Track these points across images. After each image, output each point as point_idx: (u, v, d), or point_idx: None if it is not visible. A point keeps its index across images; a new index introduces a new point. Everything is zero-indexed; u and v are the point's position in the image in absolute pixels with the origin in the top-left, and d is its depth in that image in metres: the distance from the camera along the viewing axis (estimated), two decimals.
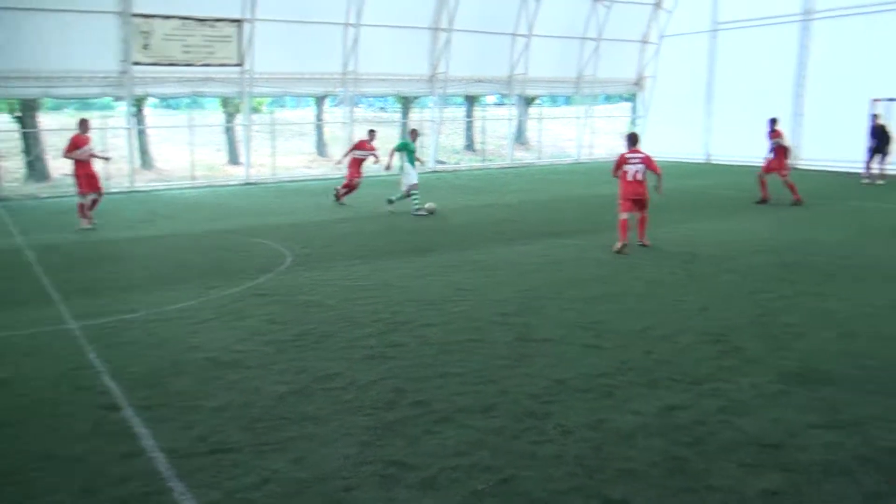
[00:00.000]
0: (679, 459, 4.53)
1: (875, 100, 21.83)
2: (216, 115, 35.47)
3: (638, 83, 31.69)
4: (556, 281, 9.40)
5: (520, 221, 14.57)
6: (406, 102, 34.85)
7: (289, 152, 30.89)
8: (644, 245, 11.70)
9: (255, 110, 30.99)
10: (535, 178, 23.92)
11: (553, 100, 40.70)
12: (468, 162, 31.64)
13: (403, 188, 15.99)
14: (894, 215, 14.50)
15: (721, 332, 7.11)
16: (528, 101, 33.82)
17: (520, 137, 34.53)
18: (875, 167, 20.35)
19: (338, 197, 17.66)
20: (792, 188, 16.18)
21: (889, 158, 20.44)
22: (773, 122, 16.83)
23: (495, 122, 34.49)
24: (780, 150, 16.42)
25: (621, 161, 11.70)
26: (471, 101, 35.94)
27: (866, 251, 10.95)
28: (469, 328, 7.35)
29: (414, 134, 16.85)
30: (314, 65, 24.10)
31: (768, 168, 16.51)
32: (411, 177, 15.96)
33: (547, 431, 4.95)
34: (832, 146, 23.05)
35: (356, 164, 17.71)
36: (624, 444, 4.75)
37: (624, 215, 11.52)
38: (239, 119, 28.79)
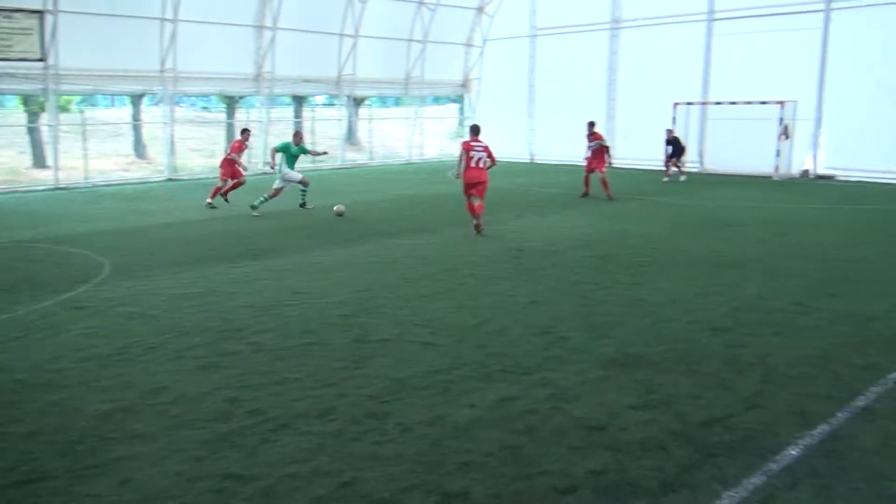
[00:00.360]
0: (514, 448, 4.72)
1: (676, 103, 23.88)
2: (17, 115, 32.45)
3: (464, 85, 32.63)
4: (391, 280, 9.48)
5: (354, 222, 14.54)
6: (231, 102, 33.67)
7: (103, 154, 28.88)
8: (478, 227, 12.87)
9: (63, 109, 28.76)
10: (368, 179, 23.97)
11: (383, 101, 40.93)
12: (298, 163, 31.04)
13: (273, 188, 15.90)
14: (696, 210, 15.91)
15: (548, 323, 7.49)
16: (358, 101, 33.80)
17: (351, 138, 34.42)
18: (674, 168, 22.29)
19: (224, 194, 17.21)
20: (605, 185, 17.40)
21: (685, 159, 22.44)
22: (591, 125, 18.09)
23: (325, 123, 34.16)
24: (599, 151, 17.70)
25: (467, 148, 12.86)
26: (299, 101, 35.35)
27: (673, 243, 11.94)
28: (305, 332, 7.25)
29: (298, 137, 16.39)
30: (129, 61, 22.65)
31: (590, 167, 17.78)
32: (291, 175, 15.95)
33: (387, 431, 4.99)
34: (640, 146, 24.93)
35: (229, 164, 17.18)
36: (461, 437, 4.89)
37: (468, 199, 12.99)
38: (44, 119, 26.50)
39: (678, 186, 20.45)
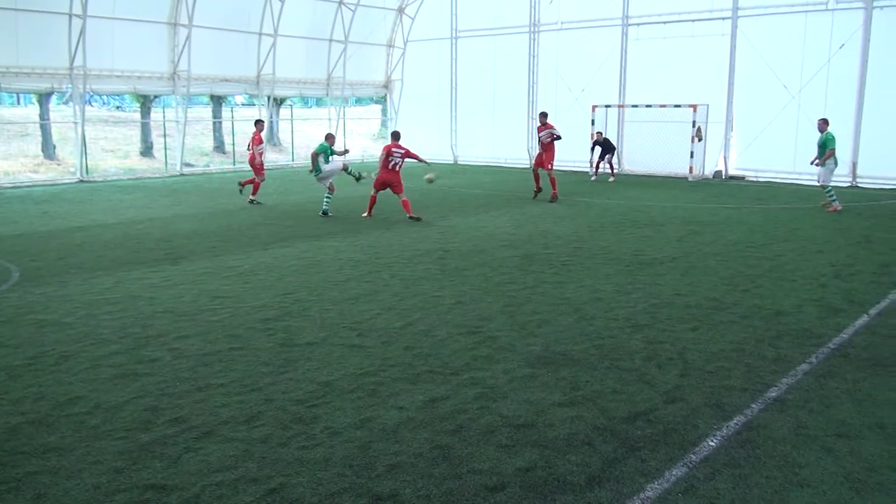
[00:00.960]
0: (443, 448, 4.74)
1: (594, 106, 24.46)
2: None
3: (386, 86, 32.55)
4: (316, 283, 9.37)
5: (276, 224, 14.31)
6: (145, 101, 32.64)
7: (8, 155, 27.57)
8: (412, 218, 14.41)
9: None
10: (290, 180, 23.63)
11: (304, 101, 40.47)
12: (219, 164, 30.41)
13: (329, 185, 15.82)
14: (616, 210, 16.33)
15: (475, 323, 7.55)
16: (279, 101, 33.29)
17: (272, 139, 33.87)
18: (607, 166, 22.86)
19: (241, 185, 17.86)
20: (552, 184, 17.59)
21: (615, 160, 23.04)
22: (543, 115, 18.26)
23: (245, 123, 33.50)
24: (550, 145, 17.70)
25: (387, 151, 14.77)
26: (218, 100, 34.56)
27: (594, 243, 12.23)
28: (229, 337, 7.09)
29: (332, 139, 16.21)
30: (34, 58, 21.68)
31: (538, 162, 17.86)
32: (332, 167, 15.81)
33: (315, 435, 4.92)
34: (561, 148, 25.36)
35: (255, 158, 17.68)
36: (390, 439, 4.87)
37: (374, 192, 15.07)
38: None
39: (599, 187, 20.96)
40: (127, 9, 23.10)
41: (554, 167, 17.83)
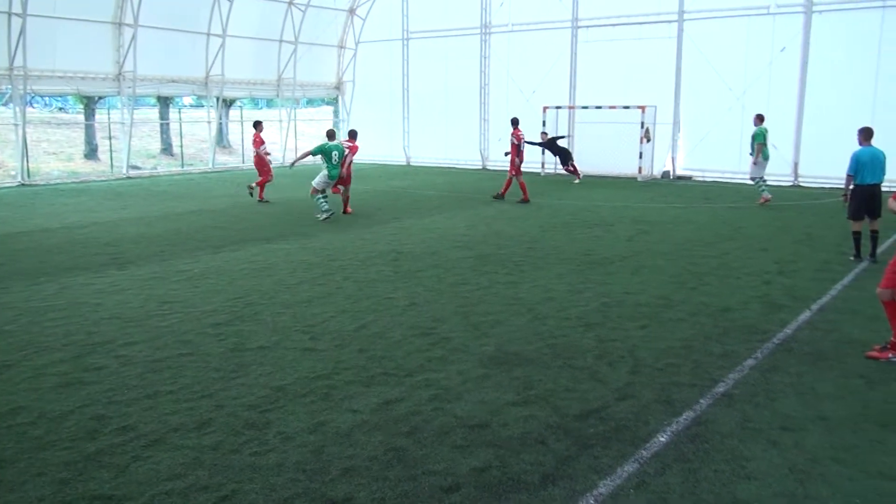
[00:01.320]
0: (398, 450, 4.73)
1: (545, 107, 24.69)
2: None
3: (338, 87, 32.34)
4: (267, 286, 9.26)
5: (226, 227, 14.09)
6: (90, 102, 31.86)
7: None
8: (347, 213, 15.57)
9: None
10: (240, 183, 23.27)
11: (255, 102, 39.98)
12: (166, 167, 29.82)
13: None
14: (567, 211, 16.50)
15: (429, 324, 7.55)
16: (228, 103, 32.81)
17: (221, 141, 33.38)
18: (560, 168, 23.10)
19: (251, 187, 18.20)
20: (507, 186, 17.72)
21: (572, 159, 23.20)
22: (514, 122, 18.27)
23: (194, 125, 32.96)
24: (515, 149, 17.76)
25: (354, 152, 15.74)
26: (165, 102, 33.92)
27: (546, 243, 12.34)
28: (178, 342, 6.96)
29: (333, 136, 15.88)
30: None
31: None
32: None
33: (268, 441, 4.87)
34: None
35: (260, 159, 18.15)
36: (344, 443, 4.84)
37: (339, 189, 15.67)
38: None
39: (550, 187, 21.14)
40: (69, 8, 22.47)
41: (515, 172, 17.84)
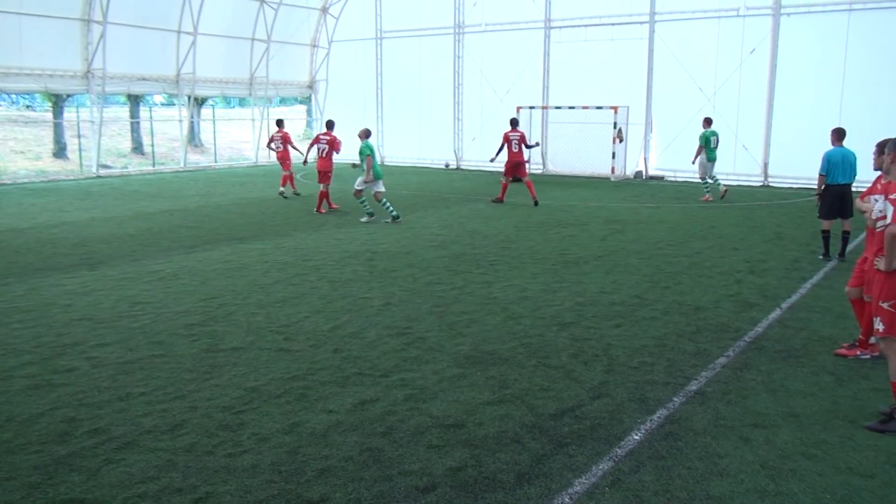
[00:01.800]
0: (373, 450, 4.72)
1: (519, 107, 24.78)
2: None
3: (311, 86, 32.16)
4: (241, 287, 9.18)
5: (198, 227, 13.95)
6: (58, 100, 31.32)
7: None
8: (333, 208, 15.83)
9: None
10: (213, 182, 23.08)
11: (227, 101, 39.64)
12: (137, 166, 29.44)
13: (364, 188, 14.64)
14: (541, 210, 16.57)
15: (404, 324, 7.54)
16: (200, 101, 32.47)
17: (193, 139, 33.03)
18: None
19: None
20: (504, 188, 17.63)
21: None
22: (512, 122, 18.01)
23: (165, 124, 32.55)
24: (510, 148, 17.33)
25: (315, 140, 16.18)
26: (135, 100, 33.48)
27: (521, 242, 12.38)
28: (150, 343, 6.87)
29: (367, 133, 14.77)
30: None
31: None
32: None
33: (242, 442, 4.83)
34: (488, 149, 25.67)
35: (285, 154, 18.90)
36: (320, 443, 4.82)
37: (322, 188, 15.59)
38: None
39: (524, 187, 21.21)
40: (35, 4, 22.11)
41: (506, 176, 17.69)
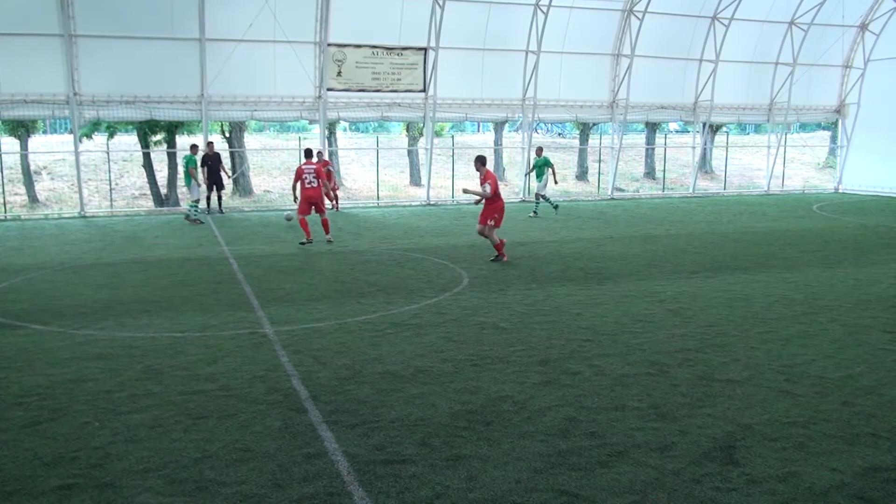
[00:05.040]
0: None
1: None
2: (401, 139, 37.07)
3: (839, 111, 29.42)
4: (741, 318, 8.88)
5: (702, 253, 13.93)
6: (585, 128, 34.63)
7: (468, 175, 31.58)
8: (329, 242, 15.17)
9: (437, 134, 32.07)
10: (720, 209, 22.81)
11: (741, 127, 38.83)
12: (648, 190, 30.81)
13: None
14: None
15: None
16: (714, 128, 32.43)
17: (704, 166, 33.16)
18: None
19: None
20: None
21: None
22: (308, 153, 15.60)
23: (678, 150, 33.38)
24: None
25: (300, 172, 14.83)
26: (652, 127, 35.07)
27: None
28: (647, 361, 7.11)
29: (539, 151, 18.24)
30: (494, 91, 24.60)
31: None
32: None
33: (731, 479, 4.66)
34: None
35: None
36: (819, 501, 4.37)
37: (302, 217, 14.83)
38: (422, 143, 29.89)
39: None
40: (575, 43, 24.79)
41: None
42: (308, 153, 15.50)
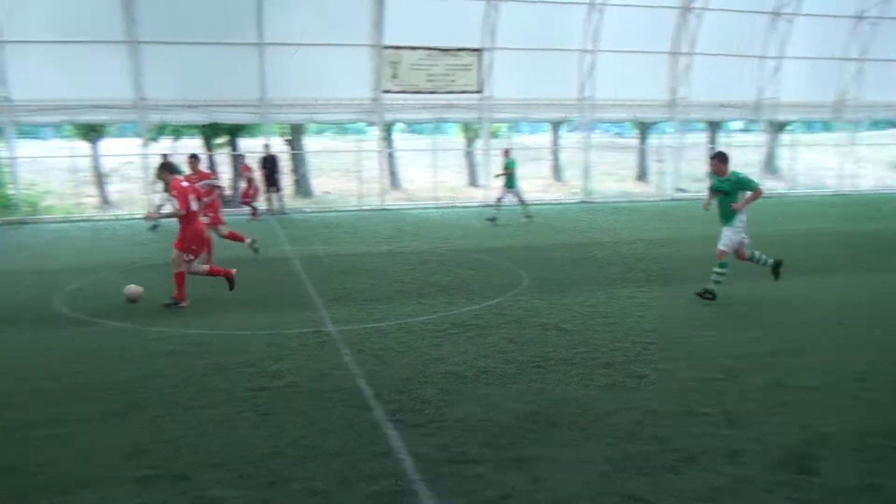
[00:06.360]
0: None
1: None
2: (457, 140, 37.15)
3: None
4: (812, 321, 8.60)
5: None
6: (643, 128, 34.11)
7: (524, 176, 31.41)
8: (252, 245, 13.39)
9: (494, 135, 31.99)
10: (787, 210, 22.18)
11: (808, 125, 37.70)
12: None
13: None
14: None
15: None
16: (779, 126, 31.56)
17: (769, 166, 32.29)
18: None
19: None
20: None
21: None
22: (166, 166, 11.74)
23: (741, 149, 32.57)
24: None
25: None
26: (713, 126, 34.30)
27: None
28: (714, 366, 6.93)
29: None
30: (550, 91, 24.43)
31: None
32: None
33: (802, 487, 4.51)
34: None
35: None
36: None
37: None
38: (478, 144, 29.89)
39: None
40: (632, 41, 24.41)
41: None
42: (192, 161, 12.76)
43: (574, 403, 5.95)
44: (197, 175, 12.34)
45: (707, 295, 9.55)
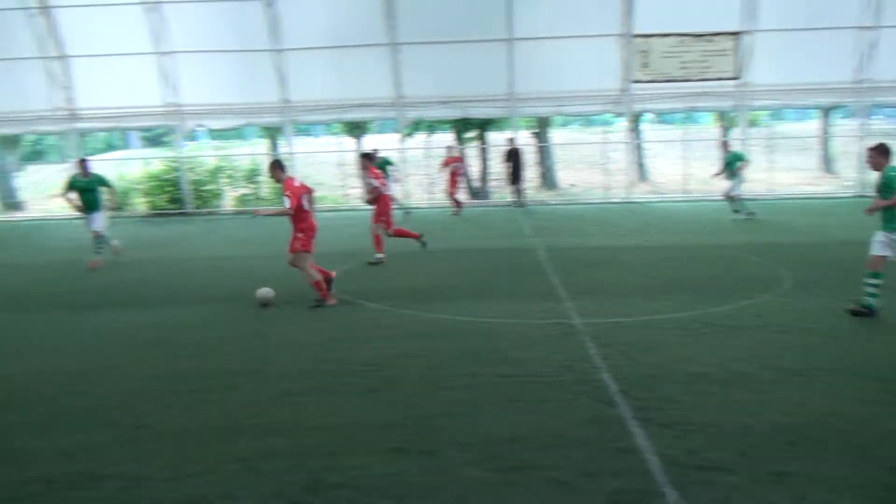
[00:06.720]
0: None
1: None
2: (711, 130, 35.21)
3: None
4: None
5: None
6: None
7: (788, 168, 28.99)
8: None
9: (753, 124, 29.82)
10: None
11: None
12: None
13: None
14: None
15: None
16: None
17: None
18: None
19: None
20: None
21: None
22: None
23: None
24: None
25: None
26: None
27: None
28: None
29: None
30: (820, 75, 22.07)
31: None
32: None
33: None
34: None
35: None
36: None
37: None
38: (735, 133, 28.01)
39: None
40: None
41: None
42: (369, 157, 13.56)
43: (845, 420, 5.37)
44: (370, 172, 12.81)
45: None
